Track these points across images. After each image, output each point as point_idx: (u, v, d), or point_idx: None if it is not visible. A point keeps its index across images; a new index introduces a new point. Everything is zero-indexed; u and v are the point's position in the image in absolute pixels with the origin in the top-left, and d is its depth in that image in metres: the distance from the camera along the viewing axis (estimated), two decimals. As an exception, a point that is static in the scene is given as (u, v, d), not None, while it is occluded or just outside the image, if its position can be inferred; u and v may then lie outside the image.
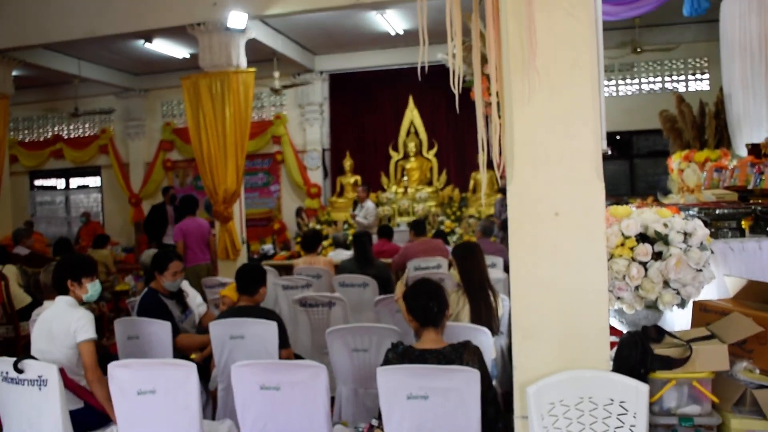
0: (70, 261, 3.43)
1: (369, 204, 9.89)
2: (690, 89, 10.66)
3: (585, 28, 2.18)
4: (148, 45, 10.44)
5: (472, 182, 11.28)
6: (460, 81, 2.40)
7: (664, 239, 2.47)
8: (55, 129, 14.11)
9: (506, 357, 4.10)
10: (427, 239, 6.64)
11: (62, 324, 3.17)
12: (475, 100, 2.60)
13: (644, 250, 2.46)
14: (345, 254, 7.37)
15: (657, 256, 2.50)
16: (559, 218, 2.22)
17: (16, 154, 13.66)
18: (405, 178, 11.58)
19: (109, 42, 9.87)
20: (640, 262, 2.47)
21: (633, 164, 11.37)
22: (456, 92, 2.47)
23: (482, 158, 2.65)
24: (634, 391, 2.11)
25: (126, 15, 8.45)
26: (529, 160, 2.24)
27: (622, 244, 2.51)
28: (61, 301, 3.29)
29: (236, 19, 7.96)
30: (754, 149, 5.03)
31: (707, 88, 10.50)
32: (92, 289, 3.36)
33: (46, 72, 11.17)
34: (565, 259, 2.22)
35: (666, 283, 2.48)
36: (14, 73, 9.95)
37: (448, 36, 2.51)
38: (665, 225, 2.52)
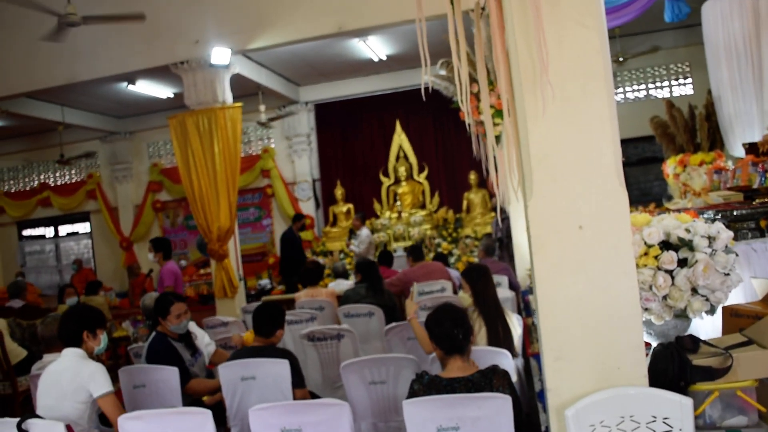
0: (85, 312, 3.33)
1: (362, 232, 9.88)
2: (674, 94, 10.73)
3: (596, 37, 2.13)
4: (131, 87, 10.40)
5: (465, 202, 11.24)
6: (467, 92, 2.31)
7: (689, 245, 2.40)
8: (41, 177, 13.96)
9: (524, 378, 4.00)
10: (427, 263, 6.54)
11: (74, 378, 3.05)
12: (484, 119, 2.53)
13: (669, 258, 2.38)
14: (345, 284, 7.26)
15: (682, 263, 2.42)
16: (583, 231, 2.14)
17: (3, 204, 13.53)
18: (398, 203, 11.52)
19: (92, 86, 9.81)
20: (666, 271, 2.40)
21: (624, 173, 11.35)
22: (465, 108, 2.40)
23: (494, 176, 2.58)
24: (678, 405, 2.01)
25: (107, 58, 8.41)
26: (547, 173, 2.17)
27: (646, 254, 2.43)
28: (70, 353, 3.17)
29: (220, 55, 7.93)
30: (752, 148, 5.01)
31: (691, 92, 10.56)
32: (104, 340, 3.30)
33: (30, 120, 11.09)
34: (593, 273, 2.13)
35: (694, 290, 2.40)
36: (-3, 123, 9.90)
37: (453, 50, 2.45)
38: (687, 230, 2.44)
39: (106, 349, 6.91)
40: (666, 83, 10.98)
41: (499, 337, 3.55)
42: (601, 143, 2.14)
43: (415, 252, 6.81)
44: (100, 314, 3.36)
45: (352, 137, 12.51)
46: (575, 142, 2.15)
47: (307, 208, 12.32)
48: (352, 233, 10.03)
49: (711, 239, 2.43)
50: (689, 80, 10.80)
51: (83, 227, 14.07)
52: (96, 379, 3.05)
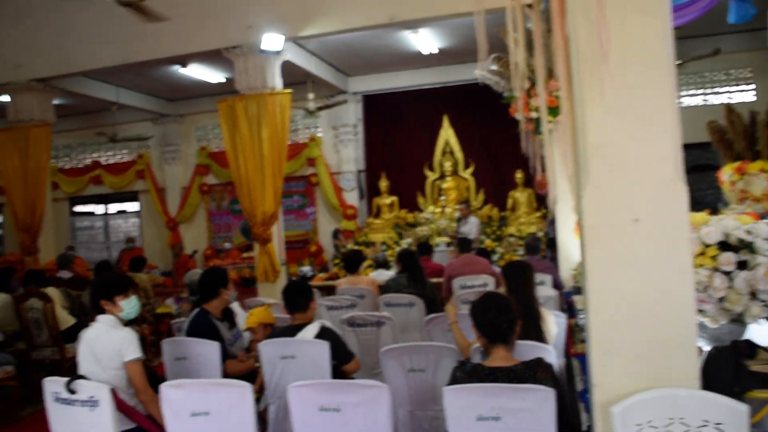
0: (101, 281, 3.39)
1: (471, 219, 10.24)
2: (734, 101, 10.37)
3: (660, 25, 2.07)
4: (183, 70, 10.57)
5: (510, 201, 11.11)
6: (523, 76, 2.27)
7: (749, 247, 2.32)
8: (94, 155, 14.36)
9: (565, 378, 3.91)
10: (470, 255, 6.47)
11: (107, 345, 3.11)
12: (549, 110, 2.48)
13: (728, 259, 2.31)
14: (386, 274, 7.25)
15: (741, 265, 2.34)
16: (639, 225, 2.08)
17: (57, 180, 13.91)
18: (442, 197, 11.45)
19: (146, 68, 10.02)
20: (724, 272, 2.32)
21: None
22: (518, 94, 2.35)
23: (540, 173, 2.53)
24: (733, 411, 1.94)
25: (161, 40, 8.53)
26: (603, 163, 2.12)
27: (703, 253, 2.36)
28: (102, 320, 3.22)
29: (271, 41, 7.98)
30: (816, 156, 4.81)
31: (753, 98, 10.18)
32: (127, 306, 3.26)
33: (86, 99, 11.41)
34: (647, 268, 2.07)
35: (753, 294, 2.32)
36: (55, 101, 10.17)
37: (510, 41, 2.40)
38: (749, 232, 2.36)
39: (149, 324, 7.13)
40: (725, 89, 10.62)
41: (531, 336, 3.43)
42: (660, 133, 2.08)
43: (463, 244, 6.77)
44: (117, 282, 3.31)
45: (398, 129, 12.49)
46: (634, 132, 2.09)
47: (351, 198, 12.36)
48: (460, 220, 10.36)
49: (773, 242, 2.35)
50: (751, 86, 10.40)
51: (132, 206, 14.41)
52: (126, 345, 3.10)
